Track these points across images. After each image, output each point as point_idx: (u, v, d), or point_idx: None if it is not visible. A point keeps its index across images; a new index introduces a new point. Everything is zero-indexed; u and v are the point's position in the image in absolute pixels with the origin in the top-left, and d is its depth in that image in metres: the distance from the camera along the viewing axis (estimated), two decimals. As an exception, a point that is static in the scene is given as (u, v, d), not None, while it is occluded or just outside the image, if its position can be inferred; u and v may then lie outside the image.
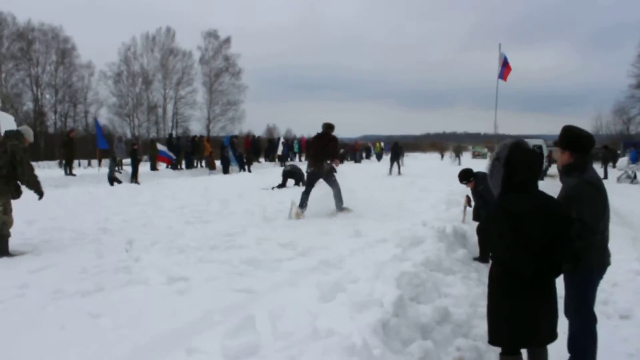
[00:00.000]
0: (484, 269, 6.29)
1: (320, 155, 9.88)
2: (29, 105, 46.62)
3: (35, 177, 6.97)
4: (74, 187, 16.87)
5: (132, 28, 76.72)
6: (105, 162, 23.01)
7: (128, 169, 21.76)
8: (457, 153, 37.53)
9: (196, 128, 50.92)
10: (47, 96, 47.65)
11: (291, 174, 16.66)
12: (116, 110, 50.27)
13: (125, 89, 50.26)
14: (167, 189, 15.92)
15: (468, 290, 5.26)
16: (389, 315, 3.61)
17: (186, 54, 51.57)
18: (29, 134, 7.08)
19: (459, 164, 33.42)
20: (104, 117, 49.63)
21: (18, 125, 16.61)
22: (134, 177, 20.12)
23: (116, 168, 20.66)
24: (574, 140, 3.60)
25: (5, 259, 6.44)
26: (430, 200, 11.42)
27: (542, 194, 3.21)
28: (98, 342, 3.63)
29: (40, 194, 7.02)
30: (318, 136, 10.22)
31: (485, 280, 6.01)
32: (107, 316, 4.17)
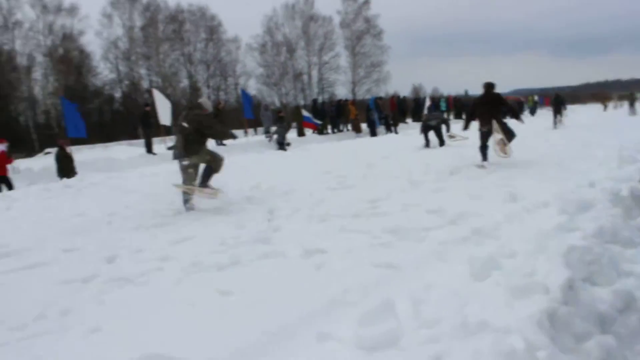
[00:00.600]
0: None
1: (490, 114, 10.19)
2: (184, 82, 49.69)
3: (223, 131, 8.79)
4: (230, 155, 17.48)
5: None
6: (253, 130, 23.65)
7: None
8: (632, 101, 33.69)
9: (342, 92, 51.13)
10: (200, 72, 50.35)
11: (429, 127, 15.44)
12: (264, 80, 51.91)
13: (271, 59, 51.53)
14: (312, 154, 15.94)
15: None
16: (557, 303, 2.97)
17: (326, 19, 51.63)
18: (207, 104, 8.27)
19: (634, 113, 30.18)
20: (253, 87, 51.55)
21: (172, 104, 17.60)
22: (281, 145, 20.42)
23: (268, 134, 21.10)
24: None
25: (152, 230, 6.60)
26: (598, 157, 10.12)
27: None
28: (224, 324, 3.43)
29: (233, 137, 8.88)
30: (483, 97, 10.49)
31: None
32: (238, 294, 3.99)
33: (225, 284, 4.23)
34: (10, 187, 13.02)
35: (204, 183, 7.96)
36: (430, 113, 16.39)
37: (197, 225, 6.63)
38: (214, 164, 7.99)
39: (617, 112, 36.95)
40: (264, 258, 4.95)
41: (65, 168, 14.48)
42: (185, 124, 7.76)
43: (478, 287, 3.57)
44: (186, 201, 7.74)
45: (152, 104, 19.43)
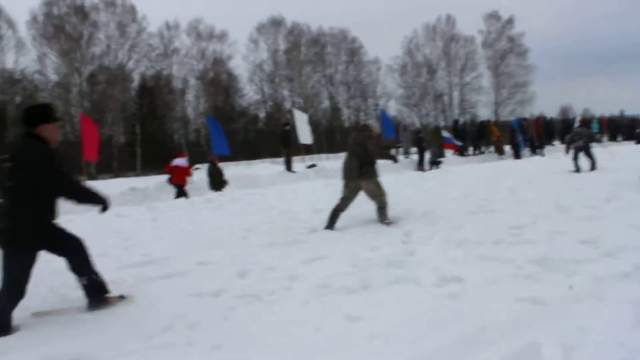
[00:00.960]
0: None
1: None
2: (325, 102, 50.86)
3: (381, 152, 8.53)
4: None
5: (413, 21, 77.77)
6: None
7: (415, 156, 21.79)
8: None
9: (484, 113, 49.30)
10: (341, 93, 51.24)
11: (578, 149, 13.50)
12: (403, 101, 51.63)
13: (411, 80, 51.16)
14: (452, 175, 15.34)
15: None
16: None
17: (468, 39, 50.31)
18: (374, 126, 8.76)
19: None
20: (393, 108, 51.53)
21: (310, 121, 18.00)
22: (420, 165, 20.02)
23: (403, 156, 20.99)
24: None
25: (285, 248, 6.55)
26: None
27: None
28: (347, 353, 3.20)
29: (390, 158, 8.87)
30: None
31: None
32: (365, 320, 3.74)
33: (354, 308, 4.02)
34: (186, 196, 13.92)
35: (384, 218, 7.86)
36: (573, 131, 14.08)
37: (330, 245, 6.49)
38: (377, 198, 7.91)
39: None
40: (396, 282, 4.67)
41: (216, 181, 15.45)
42: (356, 145, 7.97)
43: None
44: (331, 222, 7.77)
45: (292, 124, 19.95)
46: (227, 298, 4.63)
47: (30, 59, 37.76)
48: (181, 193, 14.57)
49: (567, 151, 14.02)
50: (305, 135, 18.98)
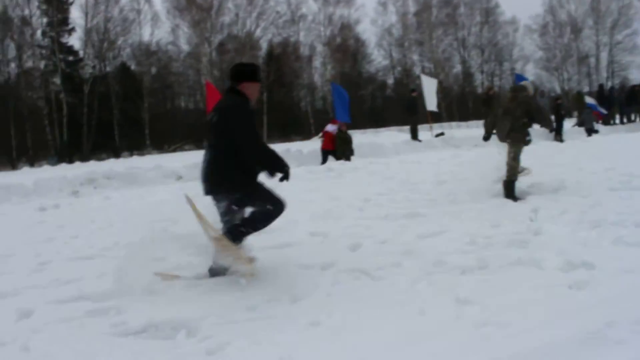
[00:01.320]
0: None
1: None
2: (457, 67, 49.01)
3: (549, 118, 8.49)
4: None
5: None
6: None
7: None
8: None
9: (637, 77, 44.96)
10: (474, 57, 49.07)
11: None
12: (543, 64, 48.52)
13: (552, 41, 47.77)
14: (592, 147, 14.11)
15: None
16: None
17: (622, -9, 45.69)
18: (530, 87, 8.01)
19: None
20: (531, 72, 48.51)
21: (440, 87, 17.40)
22: (558, 135, 18.64)
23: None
24: None
25: (402, 220, 6.28)
26: None
27: None
28: (451, 343, 2.90)
29: (550, 127, 8.27)
30: None
31: None
32: (477, 305, 3.43)
33: (466, 291, 3.69)
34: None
35: (509, 193, 7.40)
36: None
37: (449, 219, 6.17)
38: (509, 167, 7.48)
39: None
40: (516, 264, 4.26)
41: (344, 149, 15.26)
42: (511, 107, 7.55)
43: None
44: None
45: (419, 90, 19.35)
46: (335, 272, 4.49)
47: (164, 31, 40.18)
48: (326, 159, 15.01)
49: None
50: (432, 102, 18.35)
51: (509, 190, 7.34)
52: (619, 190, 7.19)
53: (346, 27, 46.00)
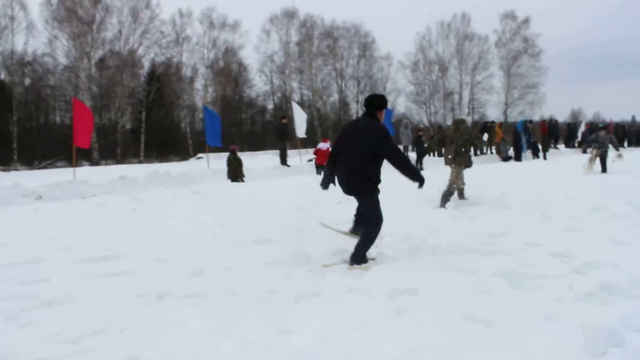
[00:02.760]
0: None
1: None
2: (334, 96, 50.52)
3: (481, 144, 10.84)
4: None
5: (427, 17, 77.23)
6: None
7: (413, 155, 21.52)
8: None
9: (493, 114, 48.95)
10: (350, 87, 50.90)
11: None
12: (413, 98, 51.29)
13: (422, 77, 50.76)
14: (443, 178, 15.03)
15: None
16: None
17: (482, 38, 49.81)
18: (468, 120, 10.35)
19: None
20: (401, 105, 51.21)
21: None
22: (419, 163, 19.76)
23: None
24: None
25: (251, 245, 6.31)
26: None
27: None
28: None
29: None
30: None
31: None
32: (299, 334, 3.56)
33: (293, 320, 3.78)
34: None
35: (444, 202, 9.14)
36: (595, 139, 14.79)
37: (297, 246, 6.25)
38: (455, 185, 9.36)
39: None
40: (349, 292, 4.43)
41: (235, 171, 15.59)
42: (455, 136, 9.20)
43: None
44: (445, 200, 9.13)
45: (290, 116, 19.69)
46: (171, 300, 4.43)
47: (40, 42, 37.78)
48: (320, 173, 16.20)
49: (584, 151, 15.87)
50: (301, 128, 18.73)
51: (444, 200, 9.09)
52: (459, 218, 7.77)
53: (230, 52, 46.11)
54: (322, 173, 14.85)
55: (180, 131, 44.26)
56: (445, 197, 9.11)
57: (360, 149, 5.28)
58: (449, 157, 9.27)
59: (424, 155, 20.06)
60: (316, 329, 3.57)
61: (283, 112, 43.58)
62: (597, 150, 14.36)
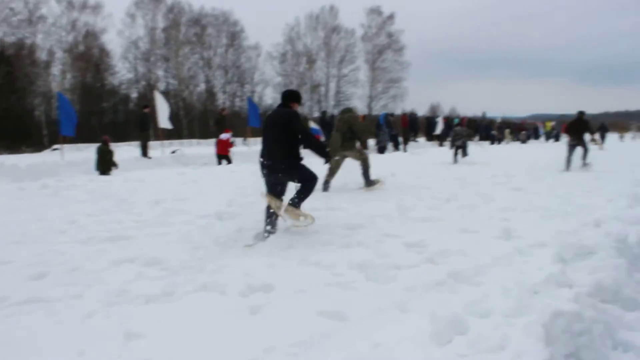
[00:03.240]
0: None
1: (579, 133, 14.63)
2: (201, 86, 49.43)
3: (369, 131, 11.97)
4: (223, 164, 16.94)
5: (296, 8, 78.04)
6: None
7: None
8: None
9: (358, 106, 50.67)
10: (218, 77, 50.06)
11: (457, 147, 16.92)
12: (281, 89, 51.47)
13: (290, 69, 51.27)
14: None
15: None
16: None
17: (349, 31, 51.36)
18: (356, 109, 10.44)
19: None
20: (269, 96, 51.32)
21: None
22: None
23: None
24: None
25: (104, 244, 5.90)
26: (607, 192, 9.30)
27: None
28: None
29: (372, 136, 11.27)
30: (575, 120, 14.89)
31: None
32: (146, 339, 3.29)
33: (141, 323, 3.52)
34: (230, 162, 17.21)
35: (368, 181, 10.02)
36: (454, 130, 17.89)
37: (152, 242, 5.95)
38: (361, 159, 10.03)
39: (635, 143, 36.04)
40: (202, 290, 4.21)
41: (105, 162, 14.88)
42: (339, 125, 10.03)
43: (434, 355, 2.86)
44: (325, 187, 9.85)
45: (152, 106, 18.91)
46: (7, 306, 3.99)
47: None
48: (225, 160, 17.32)
49: (441, 144, 18.23)
50: (164, 119, 18.06)
51: (367, 177, 9.97)
52: (320, 211, 7.77)
53: (91, 35, 43.20)
54: (222, 163, 16.26)
55: (34, 120, 40.89)
56: (366, 174, 9.91)
57: (280, 132, 6.10)
58: (336, 146, 9.83)
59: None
60: (165, 333, 3.36)
61: (146, 102, 42.11)
62: (456, 143, 16.69)
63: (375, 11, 50.98)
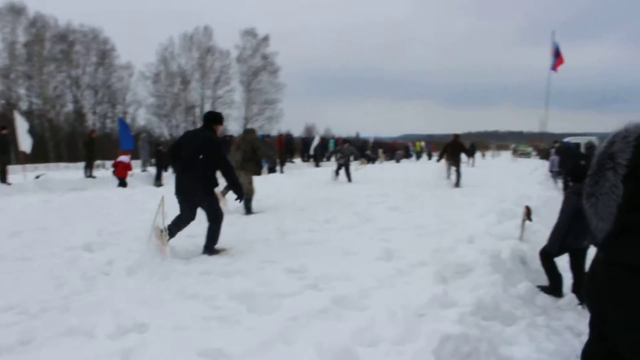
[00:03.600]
0: (552, 305, 4.73)
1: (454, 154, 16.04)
2: (69, 106, 46.51)
3: (270, 153, 10.87)
4: (92, 190, 15.90)
5: (170, 28, 76.56)
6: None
7: (152, 170, 20.70)
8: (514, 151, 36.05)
9: (234, 128, 50.22)
10: (87, 97, 47.43)
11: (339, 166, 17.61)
12: (154, 110, 49.88)
13: (163, 89, 49.76)
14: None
15: (537, 348, 3.70)
16: None
17: (224, 52, 50.90)
18: (257, 131, 9.88)
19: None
20: (142, 117, 49.51)
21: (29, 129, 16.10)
22: (158, 179, 19.04)
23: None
24: None
25: None
26: (477, 208, 9.76)
27: None
28: None
29: (274, 157, 11.04)
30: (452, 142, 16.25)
31: (556, 325, 4.45)
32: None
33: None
34: (125, 186, 17.10)
35: (248, 209, 9.78)
36: (337, 148, 19.04)
37: (11, 279, 5.27)
38: (248, 191, 9.71)
39: (495, 161, 38.95)
40: (67, 335, 3.72)
41: None
42: (242, 145, 9.85)
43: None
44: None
45: (11, 128, 17.36)
46: None
47: None
48: (122, 184, 17.15)
49: (317, 164, 19.21)
50: (25, 142, 16.67)
51: (248, 207, 9.63)
52: (194, 238, 7.34)
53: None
54: (120, 184, 16.50)
55: None
56: (247, 203, 9.66)
57: (194, 155, 6.07)
58: (237, 164, 9.59)
59: (162, 171, 19.39)
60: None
61: (5, 122, 38.87)
62: (339, 162, 17.47)
63: (250, 33, 51.11)
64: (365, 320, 3.68)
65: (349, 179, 17.12)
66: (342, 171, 17.49)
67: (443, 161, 16.98)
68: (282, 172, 24.60)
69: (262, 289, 4.70)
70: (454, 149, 16.04)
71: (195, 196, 6.22)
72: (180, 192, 6.27)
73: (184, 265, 5.68)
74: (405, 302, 3.95)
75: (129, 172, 17.78)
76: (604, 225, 1.86)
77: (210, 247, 6.28)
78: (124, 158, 17.69)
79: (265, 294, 4.54)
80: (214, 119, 6.51)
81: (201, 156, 6.04)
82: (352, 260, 5.80)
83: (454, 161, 15.85)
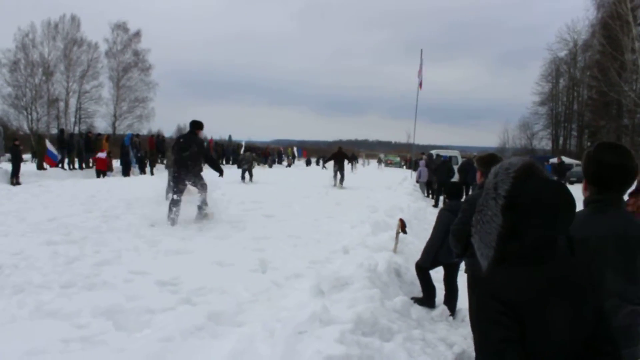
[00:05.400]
0: (426, 317, 4.88)
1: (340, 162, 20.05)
2: None
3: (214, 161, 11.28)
4: None
5: (31, 13, 71.10)
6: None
7: (7, 166, 19.04)
8: (379, 160, 37.74)
9: (101, 125, 47.56)
10: None
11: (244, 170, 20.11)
12: (12, 101, 45.76)
13: (23, 79, 45.80)
14: (47, 192, 13.54)
15: (413, 362, 3.76)
16: None
17: (92, 45, 47.97)
18: (201, 132, 10.01)
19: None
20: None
21: None
22: (14, 177, 17.53)
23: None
24: None
25: None
26: (350, 218, 9.94)
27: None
28: None
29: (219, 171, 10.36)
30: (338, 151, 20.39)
31: (430, 337, 4.59)
32: None
33: None
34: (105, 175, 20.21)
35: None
36: (242, 155, 22.35)
37: None
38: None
39: (366, 170, 40.34)
40: None
41: None
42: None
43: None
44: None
45: None
46: None
47: None
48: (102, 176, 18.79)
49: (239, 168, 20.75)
50: None
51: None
52: (57, 245, 6.78)
53: None
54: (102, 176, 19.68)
55: None
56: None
57: (191, 151, 8.83)
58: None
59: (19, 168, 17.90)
60: None
61: None
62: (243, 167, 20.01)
63: (120, 27, 48.66)
64: (243, 340, 3.54)
65: (251, 180, 19.91)
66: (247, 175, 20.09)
67: (331, 167, 20.69)
68: (152, 174, 23.67)
69: (131, 303, 4.39)
70: (339, 157, 19.91)
71: (193, 176, 8.89)
72: (183, 174, 8.83)
73: (42, 277, 5.16)
74: (283, 318, 3.86)
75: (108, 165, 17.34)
76: (487, 252, 1.90)
77: (202, 212, 9.06)
78: (101, 154, 17.43)
79: (135, 309, 4.25)
80: (197, 126, 9.26)
81: (195, 149, 8.89)
82: (227, 272, 5.63)
83: (340, 167, 19.62)
